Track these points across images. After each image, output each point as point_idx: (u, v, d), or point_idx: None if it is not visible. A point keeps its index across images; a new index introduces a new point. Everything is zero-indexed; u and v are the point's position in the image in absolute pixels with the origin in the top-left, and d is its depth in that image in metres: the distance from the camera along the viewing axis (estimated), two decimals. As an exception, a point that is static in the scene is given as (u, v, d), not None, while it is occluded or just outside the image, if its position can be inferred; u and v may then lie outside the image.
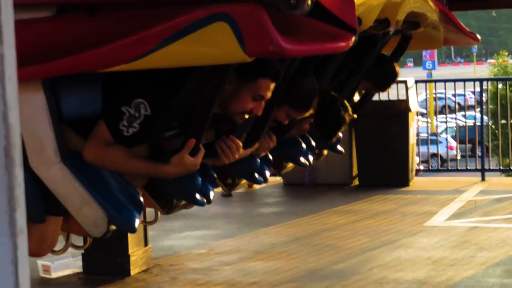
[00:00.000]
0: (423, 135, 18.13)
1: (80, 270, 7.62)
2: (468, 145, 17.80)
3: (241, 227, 9.56)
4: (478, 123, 13.84)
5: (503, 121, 15.90)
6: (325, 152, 5.44)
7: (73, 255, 7.44)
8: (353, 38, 3.74)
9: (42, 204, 3.69)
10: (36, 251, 3.82)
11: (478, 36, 5.84)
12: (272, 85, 3.87)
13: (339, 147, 5.51)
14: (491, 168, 14.34)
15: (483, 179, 12.58)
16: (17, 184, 1.50)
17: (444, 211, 10.11)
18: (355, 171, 12.09)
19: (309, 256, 8.06)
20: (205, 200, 3.92)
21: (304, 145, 4.99)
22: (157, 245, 8.40)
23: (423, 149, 16.52)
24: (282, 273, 7.46)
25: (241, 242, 8.80)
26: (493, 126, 15.82)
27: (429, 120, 20.81)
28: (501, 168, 15.26)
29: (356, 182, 12.09)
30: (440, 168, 17.16)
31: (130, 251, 7.52)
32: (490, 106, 15.51)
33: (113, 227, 3.71)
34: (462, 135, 20.09)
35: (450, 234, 8.87)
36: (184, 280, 7.36)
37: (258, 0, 3.25)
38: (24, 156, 3.57)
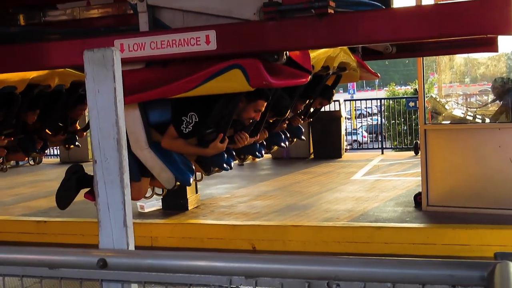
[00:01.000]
0: (348, 130, 18.09)
1: (160, 207, 7.62)
2: (373, 135, 17.72)
3: (249, 182, 9.55)
4: (378, 122, 13.75)
5: (393, 121, 15.87)
6: (295, 140, 5.39)
7: (156, 199, 7.45)
8: (309, 77, 3.73)
9: (139, 171, 3.67)
10: (135, 197, 3.79)
11: (378, 74, 5.79)
12: (265, 104, 3.87)
13: (302, 137, 5.46)
14: (386, 147, 14.28)
15: (382, 153, 12.55)
16: (124, 159, 1.51)
17: (361, 171, 10.10)
18: (311, 150, 12.04)
19: (286, 197, 8.04)
20: (229, 168, 3.90)
21: (283, 136, 4.96)
22: (202, 192, 8.40)
23: (348, 137, 16.49)
24: (272, 207, 7.45)
25: (249, 190, 8.78)
26: (387, 124, 15.79)
27: (351, 121, 20.71)
28: (392, 146, 15.23)
29: (312, 156, 12.06)
30: (358, 147, 17.11)
31: (188, 196, 7.51)
32: (386, 113, 15.41)
33: (178, 183, 3.69)
34: (370, 129, 20.01)
35: (365, 184, 8.85)
36: (217, 211, 7.35)
37: (256, 55, 3.24)
38: (128, 145, 3.58)
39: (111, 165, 1.51)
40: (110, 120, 1.51)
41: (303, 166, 10.96)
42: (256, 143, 4.42)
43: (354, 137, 18.18)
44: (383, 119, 14.84)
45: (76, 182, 4.03)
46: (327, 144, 11.74)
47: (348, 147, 14.00)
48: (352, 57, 4.99)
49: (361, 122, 21.98)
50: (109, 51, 1.52)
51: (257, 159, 11.36)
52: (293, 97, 4.55)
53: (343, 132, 12.05)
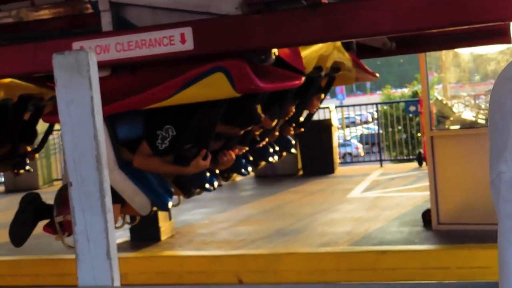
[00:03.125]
0: (340, 141, 18.18)
1: (128, 238, 7.54)
2: (367, 146, 17.84)
3: (230, 205, 9.52)
4: (373, 132, 13.86)
5: (390, 129, 16.01)
6: (284, 154, 5.38)
7: (123, 230, 7.37)
8: (303, 78, 3.72)
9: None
10: None
11: (377, 74, 5.81)
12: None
13: (293, 150, 5.46)
14: (385, 158, 14.38)
15: (381, 166, 12.63)
16: (105, 180, 1.49)
17: (359, 187, 10.13)
18: (299, 165, 12.06)
19: (275, 221, 8.03)
20: (212, 188, 3.87)
21: (271, 150, 4.96)
22: (177, 219, 8.34)
23: (340, 149, 16.55)
24: (258, 233, 7.43)
25: (231, 214, 8.76)
26: (383, 132, 15.91)
27: (342, 131, 20.84)
28: (391, 158, 15.32)
29: (301, 172, 12.06)
30: (352, 161, 17.19)
31: (160, 224, 7.46)
32: (382, 120, 15.54)
33: (155, 208, 3.67)
34: (363, 139, 20.16)
35: (364, 201, 8.89)
36: (196, 241, 7.31)
37: (241, 56, 3.22)
38: None
39: (90, 187, 1.49)
40: (87, 134, 1.49)
41: (291, 184, 10.96)
42: (240, 159, 4.40)
43: (346, 149, 18.30)
44: (379, 127, 14.94)
45: (33, 213, 3.97)
46: (317, 158, 11.76)
47: (340, 161, 14.06)
48: (347, 55, 5.01)
49: (354, 132, 22.18)
50: (83, 54, 1.50)
51: (238, 178, 11.33)
52: (284, 103, 4.56)
53: (335, 143, 12.10)
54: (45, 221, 3.99)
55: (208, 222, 8.32)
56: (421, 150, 11.97)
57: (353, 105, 15.63)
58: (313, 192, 10.05)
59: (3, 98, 4.86)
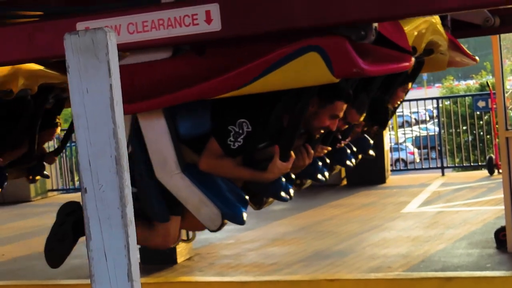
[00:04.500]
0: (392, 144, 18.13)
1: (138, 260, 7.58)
2: (424, 150, 17.73)
3: (259, 221, 9.50)
4: (431, 133, 13.79)
5: (452, 130, 15.92)
6: (360, 157, 5.24)
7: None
8: (412, 59, 3.60)
9: (167, 206, 3.61)
10: (162, 244, 3.74)
11: (477, 58, 5.66)
12: (345, 106, 3.75)
13: (371, 152, 5.36)
14: (448, 165, 14.28)
15: (443, 174, 12.55)
16: (126, 185, 1.50)
17: (415, 200, 10.09)
18: (343, 173, 12.02)
19: (314, 241, 8.03)
20: (288, 197, 3.73)
21: (349, 151, 4.85)
22: (195, 238, 8.36)
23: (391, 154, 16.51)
24: (294, 255, 7.44)
25: (260, 232, 8.77)
26: (445, 134, 15.82)
27: (394, 132, 20.78)
28: (455, 165, 15.17)
29: (344, 182, 12.03)
30: (406, 168, 17.13)
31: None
32: (443, 119, 15.47)
33: (226, 221, 3.56)
34: (419, 142, 20.05)
35: (422, 217, 8.84)
36: (219, 264, 7.33)
37: (337, 32, 3.10)
38: (150, 169, 3.54)
39: (108, 195, 1.50)
40: (105, 131, 1.50)
41: (333, 197, 10.94)
42: (317, 161, 4.26)
43: (399, 154, 18.24)
44: (440, 128, 14.85)
45: (74, 227, 3.87)
46: (364, 165, 11.65)
47: (391, 168, 14.00)
48: (445, 34, 4.78)
49: (409, 133, 22.09)
50: (101, 33, 1.51)
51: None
52: (371, 93, 4.42)
53: (386, 147, 12.05)
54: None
55: (234, 241, 8.33)
56: (493, 155, 11.88)
57: (408, 100, 15.43)
58: (359, 206, 10.02)
59: (21, 89, 4.75)
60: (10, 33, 3.55)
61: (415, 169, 14.76)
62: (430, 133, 19.02)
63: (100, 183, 1.52)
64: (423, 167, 14.43)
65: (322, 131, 3.85)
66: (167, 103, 3.42)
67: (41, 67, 4.79)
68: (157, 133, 3.52)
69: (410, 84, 5.32)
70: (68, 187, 14.41)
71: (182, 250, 7.58)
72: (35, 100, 5.05)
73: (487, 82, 14.91)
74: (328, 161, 4.47)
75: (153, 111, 3.46)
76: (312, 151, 3.78)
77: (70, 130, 5.63)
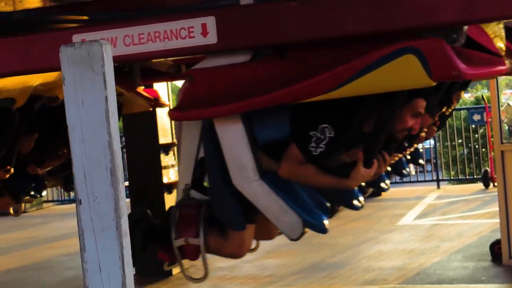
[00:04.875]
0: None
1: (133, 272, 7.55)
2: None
3: (254, 233, 9.51)
4: (427, 146, 13.76)
5: (447, 143, 15.91)
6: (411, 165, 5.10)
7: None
8: (507, 63, 3.50)
9: (243, 215, 3.54)
10: (237, 254, 3.70)
11: None
12: (424, 103, 3.61)
13: (421, 161, 5.23)
14: (443, 178, 14.26)
15: (438, 187, 12.54)
16: (121, 197, 1.50)
17: (411, 213, 10.08)
18: (338, 186, 11.99)
19: (309, 253, 8.00)
20: (360, 206, 3.67)
21: (404, 159, 4.70)
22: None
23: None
24: (289, 267, 7.42)
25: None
26: (440, 147, 15.81)
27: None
28: (450, 178, 15.16)
29: (340, 194, 12.01)
30: (401, 180, 17.08)
31: (171, 256, 7.45)
32: (439, 132, 15.45)
33: (307, 230, 3.49)
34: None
35: (418, 230, 8.83)
36: (215, 276, 7.30)
37: (432, 35, 3.03)
38: (226, 175, 3.47)
39: (103, 206, 1.50)
40: (101, 142, 1.50)
41: (328, 209, 10.92)
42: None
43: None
44: (436, 141, 14.82)
45: (143, 235, 3.87)
46: (360, 177, 11.72)
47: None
48: (504, 41, 4.72)
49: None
50: (97, 46, 1.52)
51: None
52: (440, 95, 4.27)
53: (381, 159, 12.04)
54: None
55: (229, 253, 8.31)
56: (488, 168, 11.88)
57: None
58: (355, 218, 9.98)
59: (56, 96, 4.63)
60: (6, 45, 3.55)
61: (410, 181, 14.70)
62: (426, 146, 19.04)
63: (95, 194, 1.52)
64: (419, 180, 14.41)
65: (406, 133, 3.69)
66: (248, 108, 3.32)
67: None
68: (234, 138, 3.43)
69: (462, 92, 5.13)
70: (63, 198, 14.35)
71: (177, 262, 7.55)
72: None
73: (482, 96, 14.91)
74: (389, 169, 4.33)
75: (230, 116, 3.38)
76: (388, 158, 3.63)
77: None
